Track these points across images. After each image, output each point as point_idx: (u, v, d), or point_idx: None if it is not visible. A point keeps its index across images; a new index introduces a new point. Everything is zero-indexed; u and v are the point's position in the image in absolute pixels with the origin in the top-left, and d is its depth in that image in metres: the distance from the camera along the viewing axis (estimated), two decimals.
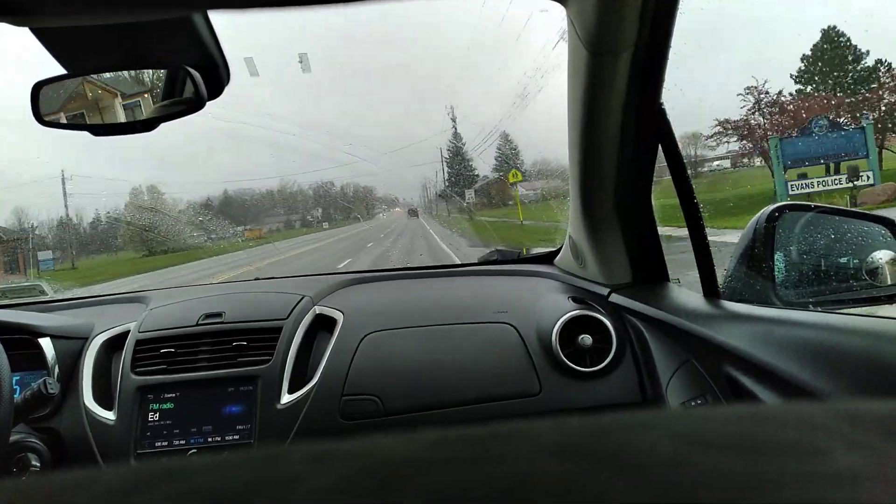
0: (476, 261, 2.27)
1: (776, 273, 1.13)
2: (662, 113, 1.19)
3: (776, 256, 1.14)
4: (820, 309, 1.02)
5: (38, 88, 0.95)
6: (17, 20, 0.79)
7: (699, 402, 1.15)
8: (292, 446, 0.24)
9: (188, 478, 0.22)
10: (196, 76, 0.91)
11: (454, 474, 0.21)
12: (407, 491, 0.20)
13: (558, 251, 1.92)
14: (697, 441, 0.22)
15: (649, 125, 1.21)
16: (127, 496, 0.21)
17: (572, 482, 0.20)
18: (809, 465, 0.20)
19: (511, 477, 0.20)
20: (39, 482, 0.23)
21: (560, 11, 1.08)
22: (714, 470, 0.20)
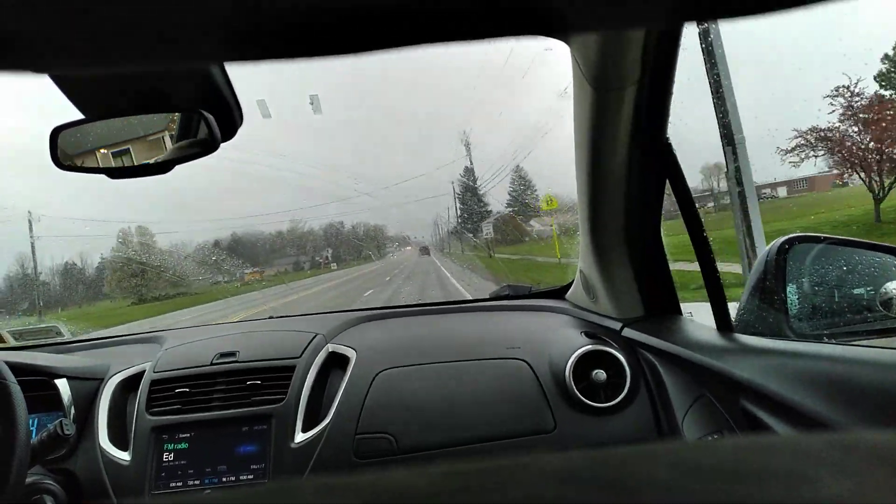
0: (487, 296, 2.26)
1: (789, 305, 1.13)
2: (669, 147, 1.20)
3: (788, 289, 1.14)
4: (834, 341, 1.01)
5: (56, 133, 0.98)
6: (37, 69, 0.82)
7: (716, 436, 1.13)
8: (303, 480, 0.24)
9: None
10: (210, 119, 0.93)
11: (463, 498, 0.21)
12: None
13: (569, 286, 1.92)
14: (694, 470, 0.23)
15: (656, 160, 1.22)
16: None
17: None
18: (796, 491, 0.21)
19: (518, 499, 0.21)
20: None
21: (564, 49, 1.10)
22: (706, 496, 0.21)
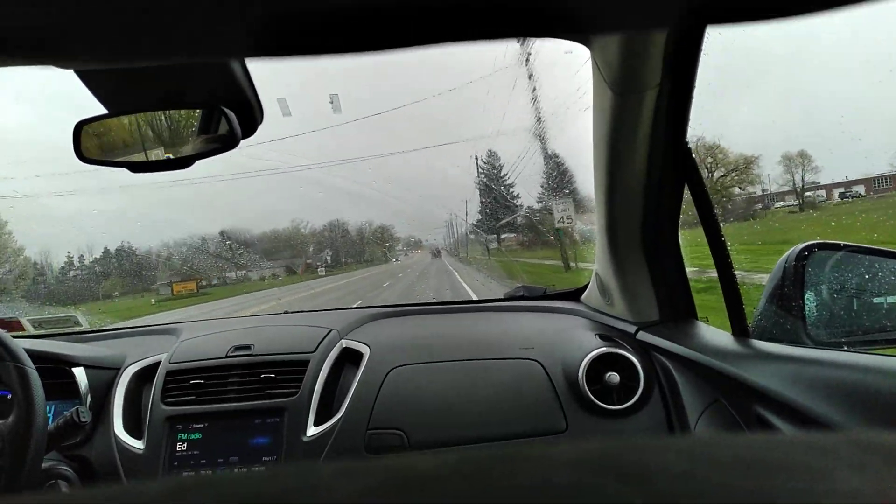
0: (502, 296, 2.26)
1: (807, 312, 1.11)
2: (688, 151, 1.20)
3: (807, 295, 1.12)
4: (852, 349, 1.00)
5: (80, 127, 0.99)
6: (62, 63, 0.83)
7: None
8: (321, 463, 0.25)
9: (218, 489, 0.23)
10: (231, 116, 0.94)
11: (474, 486, 0.22)
12: (430, 500, 0.21)
13: (584, 288, 1.91)
14: (708, 461, 0.23)
15: (675, 164, 1.21)
16: None
17: (584, 490, 0.21)
18: (813, 483, 0.21)
19: (526, 486, 0.21)
20: (69, 497, 0.24)
21: (584, 52, 1.10)
22: (721, 485, 0.21)
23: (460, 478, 0.22)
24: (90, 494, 0.24)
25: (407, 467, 0.24)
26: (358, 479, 0.22)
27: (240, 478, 0.23)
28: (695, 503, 0.20)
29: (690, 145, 1.19)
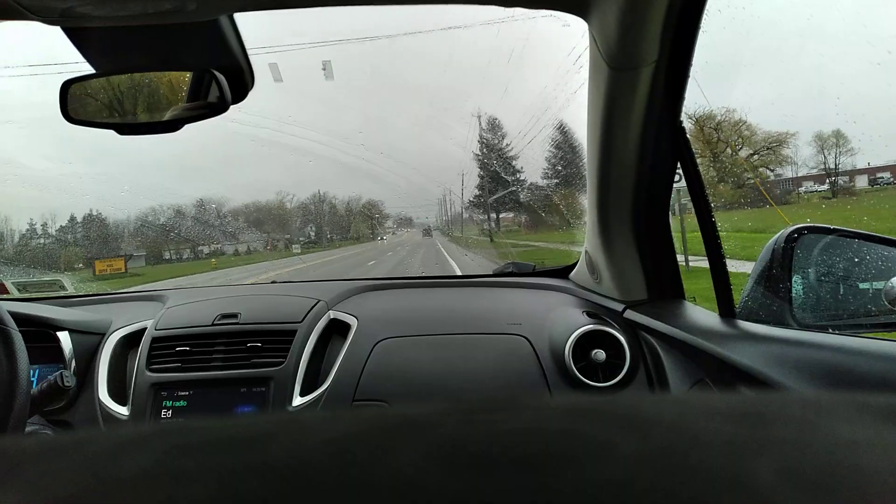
0: (491, 272, 2.27)
1: (794, 295, 1.12)
2: (682, 130, 1.19)
3: (794, 278, 1.13)
4: (837, 332, 1.01)
5: (66, 87, 0.97)
6: (49, 20, 0.82)
7: None
8: (309, 412, 0.25)
9: (207, 430, 0.23)
10: (221, 79, 0.93)
11: (467, 425, 0.22)
12: (423, 437, 0.21)
13: (573, 266, 1.91)
14: (702, 412, 0.23)
15: (669, 142, 1.21)
16: (143, 444, 0.22)
17: (581, 432, 0.21)
18: (808, 434, 0.21)
19: (515, 430, 0.21)
20: (53, 439, 0.24)
21: (582, 26, 1.08)
22: (717, 432, 0.21)
23: (449, 422, 0.22)
24: (81, 436, 0.23)
25: (395, 412, 0.24)
26: (345, 422, 0.23)
27: (224, 422, 0.23)
28: (688, 450, 0.20)
29: (718, 117, 1.18)
